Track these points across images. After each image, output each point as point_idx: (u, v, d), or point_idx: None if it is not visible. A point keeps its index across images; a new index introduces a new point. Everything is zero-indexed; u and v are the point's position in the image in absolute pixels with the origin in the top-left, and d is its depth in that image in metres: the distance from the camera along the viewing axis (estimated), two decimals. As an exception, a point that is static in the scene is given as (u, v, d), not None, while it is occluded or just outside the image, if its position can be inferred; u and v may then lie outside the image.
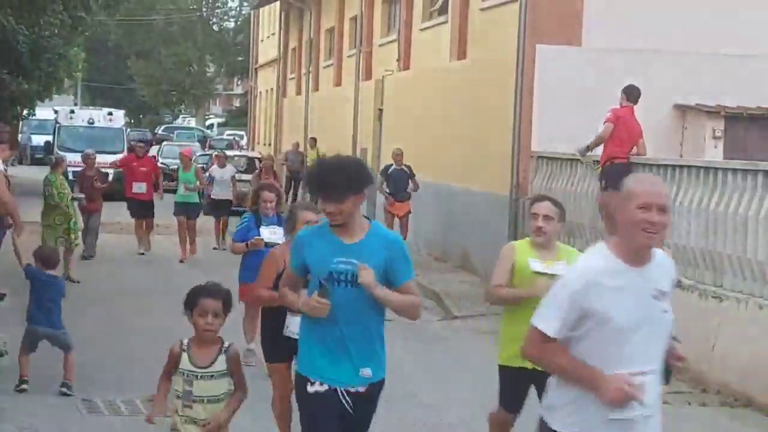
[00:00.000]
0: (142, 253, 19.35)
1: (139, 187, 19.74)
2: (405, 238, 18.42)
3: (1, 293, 12.98)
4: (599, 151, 13.78)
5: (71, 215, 15.83)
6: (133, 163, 20.27)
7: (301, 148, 30.96)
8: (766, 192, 10.56)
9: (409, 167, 19.89)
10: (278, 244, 8.63)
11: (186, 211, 19.44)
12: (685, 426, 9.46)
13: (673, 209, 12.07)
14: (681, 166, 12.35)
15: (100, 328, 12.61)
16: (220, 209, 21.29)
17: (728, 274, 11.00)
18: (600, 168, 13.65)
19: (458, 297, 15.55)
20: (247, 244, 10.31)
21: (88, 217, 18.05)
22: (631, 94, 13.69)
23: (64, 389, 9.34)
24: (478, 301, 15.48)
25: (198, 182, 19.89)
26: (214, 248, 20.68)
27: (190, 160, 20.44)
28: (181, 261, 18.81)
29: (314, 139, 30.50)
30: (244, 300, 10.37)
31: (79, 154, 20.45)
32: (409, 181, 19.87)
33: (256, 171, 22.96)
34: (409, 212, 19.78)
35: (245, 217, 10.63)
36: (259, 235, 10.24)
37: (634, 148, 13.50)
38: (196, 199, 19.94)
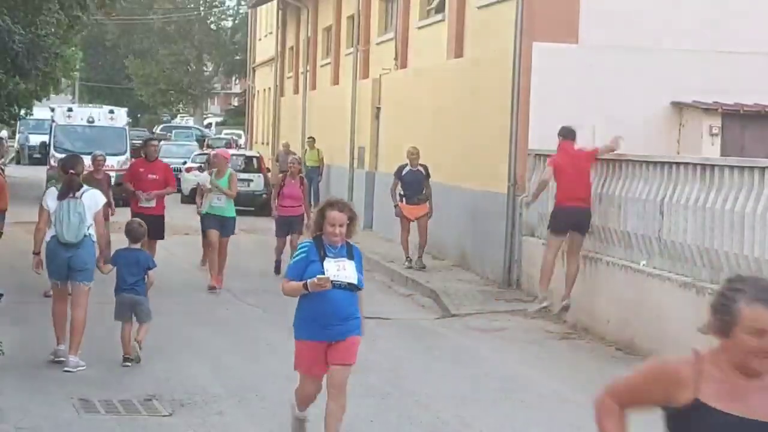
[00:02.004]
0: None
1: (147, 200, 15.94)
2: (423, 244, 18.10)
3: (-2, 293, 12.94)
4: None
5: None
6: (140, 169, 16.30)
7: (293, 149, 30.69)
8: (762, 189, 10.56)
9: (425, 168, 18.32)
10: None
11: (220, 225, 16.06)
12: (683, 423, 9.46)
13: (669, 206, 12.09)
14: (678, 163, 12.35)
15: (98, 327, 12.59)
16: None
17: (725, 271, 10.99)
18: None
19: (456, 295, 15.55)
20: (305, 285, 7.43)
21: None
22: (565, 135, 13.63)
23: (137, 348, 10.57)
24: (476, 299, 15.50)
25: (231, 191, 16.22)
26: (201, 267, 17.73)
27: (227, 163, 16.84)
28: (212, 289, 15.65)
29: (313, 139, 30.47)
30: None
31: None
32: (424, 183, 18.28)
33: (280, 175, 19.04)
34: (428, 215, 18.16)
35: (304, 246, 7.66)
36: (323, 272, 7.44)
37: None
38: (233, 212, 16.28)
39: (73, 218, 10.39)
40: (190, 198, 31.84)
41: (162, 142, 44.59)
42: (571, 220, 13.17)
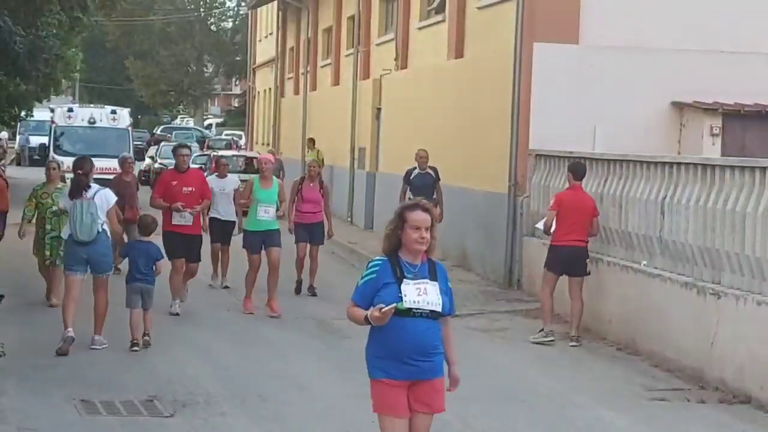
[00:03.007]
0: (177, 314, 13.57)
1: (183, 217, 13.69)
2: (432, 251, 17.15)
3: (-1, 294, 12.99)
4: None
5: (50, 230, 13.67)
6: (173, 182, 13.89)
7: (293, 149, 30.50)
8: (763, 189, 10.56)
9: (435, 170, 17.32)
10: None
11: (270, 241, 13.92)
12: (684, 423, 9.46)
13: (670, 206, 12.09)
14: (679, 164, 12.35)
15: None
16: (221, 235, 15.92)
17: (726, 271, 11.00)
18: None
19: (457, 295, 15.46)
20: (379, 311, 5.92)
21: (126, 227, 15.13)
22: (577, 172, 13.04)
23: (146, 338, 11.49)
24: (477, 299, 15.49)
25: (280, 204, 14.25)
26: (210, 285, 16.08)
27: (272, 170, 14.73)
28: (274, 316, 13.75)
29: (312, 140, 30.45)
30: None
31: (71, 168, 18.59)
32: (434, 186, 17.18)
33: (297, 179, 16.43)
34: (438, 220, 17.07)
35: (375, 264, 6.16)
36: (401, 297, 6.02)
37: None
38: (277, 222, 14.25)
39: (86, 218, 11.11)
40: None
41: (162, 143, 44.67)
42: (567, 260, 12.72)
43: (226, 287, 15.86)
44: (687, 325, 11.26)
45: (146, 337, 11.54)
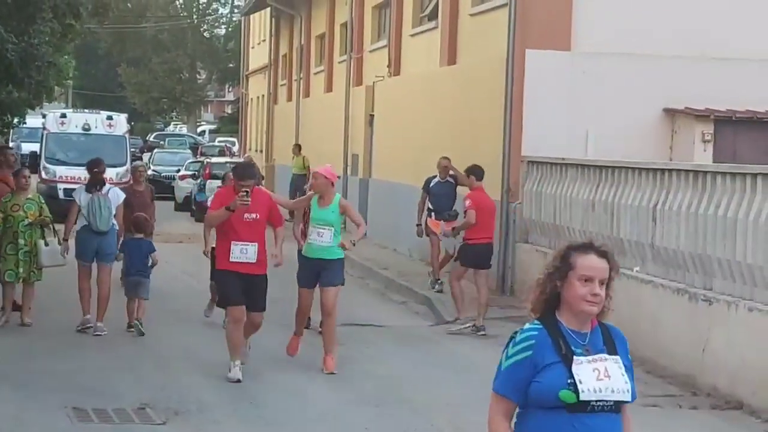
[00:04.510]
0: (238, 380, 10.37)
1: (244, 252, 10.35)
2: (455, 259, 16.23)
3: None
4: None
5: (23, 245, 12.82)
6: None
7: (287, 156, 30.44)
8: (755, 195, 10.59)
9: (455, 179, 16.38)
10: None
11: (327, 276, 11.13)
12: (677, 429, 9.48)
13: (662, 213, 12.12)
14: (670, 170, 12.38)
15: (92, 336, 12.59)
16: None
17: (718, 277, 11.03)
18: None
19: (450, 302, 15.53)
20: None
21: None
22: (478, 174, 14.08)
23: (138, 324, 12.61)
24: (470, 306, 15.49)
25: (357, 225, 11.62)
26: (207, 317, 13.78)
27: (333, 185, 11.37)
28: (327, 372, 10.91)
29: (299, 146, 30.42)
30: None
31: (73, 167, 18.26)
32: (454, 196, 16.42)
33: (307, 185, 14.58)
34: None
35: (528, 335, 4.25)
36: (572, 387, 4.16)
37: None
38: (341, 252, 11.24)
39: (104, 212, 12.70)
40: (183, 206, 31.90)
41: (155, 150, 44.62)
42: (479, 255, 13.75)
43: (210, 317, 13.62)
44: (679, 332, 11.28)
45: (137, 324, 12.64)
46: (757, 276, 10.34)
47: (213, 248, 11.26)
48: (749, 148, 16.05)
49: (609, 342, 4.27)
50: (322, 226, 11.08)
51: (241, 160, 32.03)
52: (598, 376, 4.15)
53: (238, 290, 10.36)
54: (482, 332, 13.39)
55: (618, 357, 4.24)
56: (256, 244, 10.37)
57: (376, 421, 9.26)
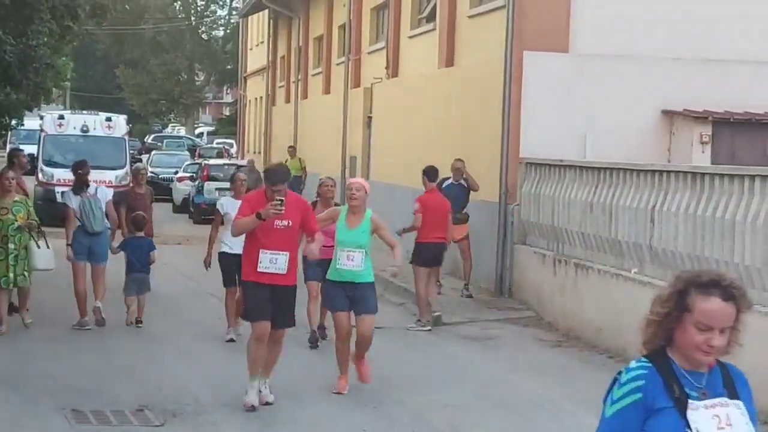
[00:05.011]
0: (254, 406, 9.46)
1: (273, 261, 9.43)
2: (469, 269, 16.54)
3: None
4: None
5: (12, 249, 12.46)
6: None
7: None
8: (753, 197, 10.60)
9: (467, 181, 16.50)
10: None
11: (360, 302, 10.09)
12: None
13: (660, 214, 12.12)
14: (668, 171, 12.39)
15: (89, 338, 12.59)
16: (238, 275, 11.30)
17: (716, 279, 11.02)
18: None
19: (448, 304, 15.55)
20: None
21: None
22: (430, 175, 14.49)
23: (139, 325, 13.21)
24: (468, 307, 15.51)
25: (391, 247, 10.36)
26: (230, 340, 12.46)
27: (365, 200, 10.31)
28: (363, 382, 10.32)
29: (293, 148, 30.37)
30: None
31: (71, 171, 17.96)
32: (466, 199, 16.38)
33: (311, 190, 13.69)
34: (468, 236, 16.45)
35: (635, 374, 3.63)
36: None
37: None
38: (371, 274, 10.19)
39: (97, 212, 12.93)
40: (181, 208, 31.89)
41: (153, 152, 44.54)
42: (433, 254, 14.14)
43: (231, 340, 12.48)
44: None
45: (139, 324, 13.23)
46: (755, 277, 10.34)
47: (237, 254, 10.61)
48: (747, 149, 16.07)
49: (729, 384, 3.66)
50: (352, 249, 10.03)
51: (241, 163, 32.06)
52: (718, 424, 3.53)
53: (266, 305, 9.41)
54: (428, 328, 13.93)
55: (740, 402, 3.63)
56: (287, 253, 9.36)
57: (373, 423, 9.25)
